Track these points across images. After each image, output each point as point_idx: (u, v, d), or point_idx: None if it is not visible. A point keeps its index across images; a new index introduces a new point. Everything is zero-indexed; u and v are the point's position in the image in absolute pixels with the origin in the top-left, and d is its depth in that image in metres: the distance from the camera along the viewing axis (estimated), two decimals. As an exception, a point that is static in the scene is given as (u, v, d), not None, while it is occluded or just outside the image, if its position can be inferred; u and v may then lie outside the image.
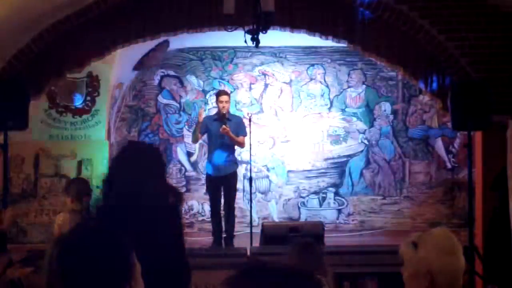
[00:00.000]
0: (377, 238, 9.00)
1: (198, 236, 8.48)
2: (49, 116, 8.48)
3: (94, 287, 1.79)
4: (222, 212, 7.79)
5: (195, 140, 8.30)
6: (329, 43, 7.73)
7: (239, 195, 8.23)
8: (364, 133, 9.48)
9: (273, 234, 7.22)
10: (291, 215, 9.36)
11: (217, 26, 6.89)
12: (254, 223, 8.17)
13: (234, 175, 7.83)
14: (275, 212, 9.40)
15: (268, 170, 9.45)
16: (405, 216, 9.36)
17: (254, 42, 5.90)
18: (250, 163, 8.09)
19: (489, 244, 6.20)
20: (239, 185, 8.12)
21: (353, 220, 9.41)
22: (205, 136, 8.05)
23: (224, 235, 7.75)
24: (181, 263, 3.18)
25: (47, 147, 8.36)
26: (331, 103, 9.52)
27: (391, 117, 9.51)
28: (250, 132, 7.86)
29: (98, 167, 8.36)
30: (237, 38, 6.36)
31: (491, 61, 6.51)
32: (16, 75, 6.57)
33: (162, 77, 9.45)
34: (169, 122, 9.43)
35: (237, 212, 8.00)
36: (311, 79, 9.55)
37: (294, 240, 4.43)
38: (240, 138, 7.74)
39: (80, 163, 8.37)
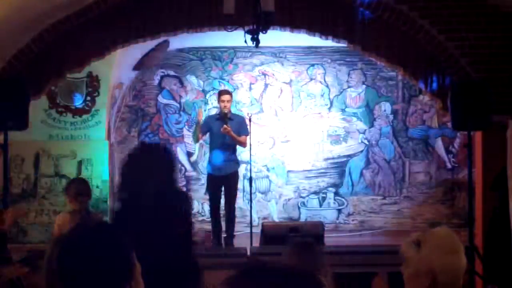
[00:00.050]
0: (377, 238, 9.00)
1: (198, 236, 8.47)
2: (49, 116, 8.49)
3: (94, 287, 1.79)
4: (222, 212, 7.79)
5: (196, 140, 8.30)
6: (329, 43, 7.73)
7: (239, 195, 8.22)
8: (364, 133, 9.48)
9: (273, 234, 7.22)
10: (291, 215, 9.36)
11: (217, 26, 6.89)
12: (254, 223, 8.17)
13: (235, 175, 7.83)
14: (275, 212, 9.40)
15: (268, 170, 9.45)
16: (405, 216, 9.36)
17: (254, 42, 5.90)
18: (250, 163, 8.09)
19: (489, 244, 6.20)
20: (239, 185, 8.12)
21: (353, 220, 9.41)
22: (205, 136, 8.05)
23: (224, 235, 7.75)
24: (190, 264, 3.19)
25: (47, 147, 8.37)
26: (331, 103, 9.52)
27: (391, 117, 9.51)
28: (250, 132, 7.86)
29: (98, 167, 8.37)
30: (237, 38, 6.36)
31: (491, 61, 6.51)
32: (16, 75, 6.57)
33: (162, 77, 9.45)
34: (169, 122, 9.43)
35: (237, 212, 8.00)
36: (311, 79, 9.54)
37: (293, 240, 4.42)
38: (242, 138, 7.74)
39: (80, 163, 8.37)
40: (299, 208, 9.41)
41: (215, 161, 7.70)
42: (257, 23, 5.79)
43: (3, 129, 6.03)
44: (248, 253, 6.95)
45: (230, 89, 8.69)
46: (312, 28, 7.01)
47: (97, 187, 8.24)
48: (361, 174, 9.46)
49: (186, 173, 9.42)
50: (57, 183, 8.27)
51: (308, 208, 9.41)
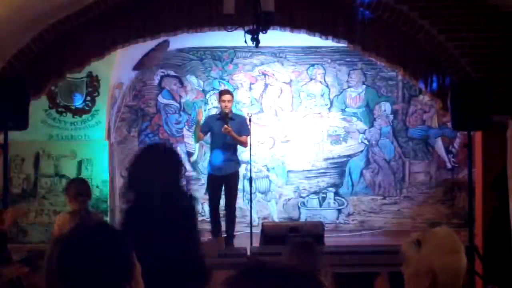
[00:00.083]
0: (377, 238, 9.01)
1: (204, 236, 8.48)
2: (49, 116, 8.48)
3: (94, 287, 1.79)
4: (222, 212, 7.79)
5: (197, 140, 8.28)
6: (329, 43, 7.73)
7: (239, 195, 8.22)
8: (364, 133, 9.48)
9: (273, 234, 7.22)
10: (291, 215, 9.36)
11: (217, 26, 6.89)
12: (254, 223, 8.17)
13: (235, 175, 7.83)
14: (275, 212, 9.40)
15: (268, 170, 9.45)
16: (405, 216, 9.36)
17: (254, 42, 5.90)
18: (250, 163, 8.09)
19: (489, 244, 6.20)
20: (239, 185, 8.13)
21: (353, 220, 9.41)
22: (206, 136, 8.05)
23: (224, 235, 7.75)
24: (198, 264, 3.21)
25: (47, 147, 8.37)
26: (331, 103, 9.52)
27: (391, 117, 9.51)
28: (250, 132, 7.86)
29: (98, 167, 8.37)
30: (237, 38, 6.36)
31: (491, 61, 6.51)
32: (16, 75, 6.57)
33: (162, 77, 9.45)
34: (169, 122, 9.43)
35: (237, 212, 8.00)
36: (311, 79, 9.55)
37: (293, 240, 4.43)
38: (243, 138, 7.74)
39: (80, 163, 8.37)
40: (299, 208, 9.41)
41: (216, 161, 7.70)
42: (257, 23, 5.79)
43: (3, 129, 6.03)
44: (248, 253, 6.95)
45: (230, 89, 8.69)
46: (312, 28, 7.01)
47: (97, 187, 8.24)
48: (361, 174, 9.46)
49: (186, 173, 9.41)
50: (57, 183, 8.27)
51: (308, 208, 9.41)
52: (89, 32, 6.85)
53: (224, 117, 7.65)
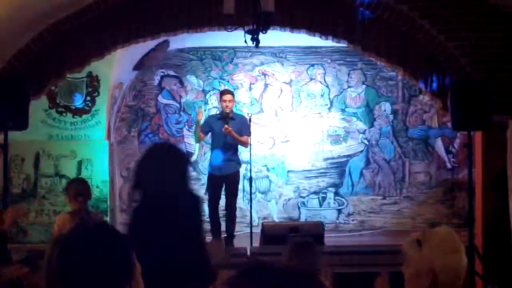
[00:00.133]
0: (377, 238, 9.00)
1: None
2: (49, 116, 8.48)
3: (94, 287, 1.79)
4: (222, 212, 7.79)
5: (198, 140, 8.25)
6: (329, 43, 7.73)
7: (239, 195, 8.22)
8: (364, 133, 9.48)
9: (273, 234, 7.22)
10: (291, 215, 9.36)
11: (217, 26, 6.89)
12: (254, 223, 8.17)
13: (236, 175, 7.83)
14: (275, 212, 9.40)
15: (268, 170, 9.45)
16: (405, 216, 9.36)
17: (254, 42, 5.90)
18: (250, 163, 8.09)
19: (489, 244, 6.20)
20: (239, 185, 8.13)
21: (353, 220, 9.41)
22: (207, 136, 8.05)
23: (224, 235, 7.75)
24: (204, 263, 3.22)
25: (47, 147, 8.37)
26: (331, 103, 9.52)
27: (391, 117, 9.51)
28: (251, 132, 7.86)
29: (98, 167, 8.37)
30: (237, 38, 6.36)
31: (491, 61, 6.51)
32: (16, 75, 6.57)
33: (162, 77, 9.45)
34: (169, 122, 9.42)
35: (237, 212, 8.00)
36: (311, 79, 9.55)
37: (293, 240, 4.43)
38: (243, 138, 7.73)
39: (80, 163, 8.37)
40: (299, 208, 9.41)
41: (216, 161, 7.70)
42: (257, 23, 5.79)
43: (3, 129, 6.02)
44: (248, 253, 6.95)
45: (231, 89, 8.70)
46: (312, 28, 7.01)
47: (97, 187, 8.24)
48: (361, 174, 9.46)
49: (186, 173, 9.40)
50: (57, 183, 8.27)
51: (308, 208, 9.41)
52: (89, 32, 6.85)
53: (224, 117, 7.65)
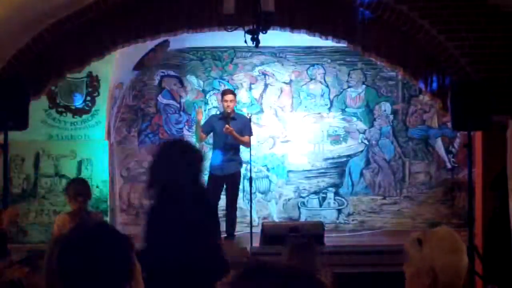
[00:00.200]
0: (377, 238, 9.00)
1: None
2: (49, 116, 8.48)
3: (94, 287, 1.79)
4: (222, 212, 7.79)
5: (199, 140, 8.24)
6: (329, 43, 7.73)
7: (239, 195, 8.23)
8: (364, 133, 9.48)
9: (273, 234, 7.22)
10: (291, 215, 9.36)
11: (217, 26, 6.88)
12: (254, 223, 8.17)
13: (237, 175, 7.83)
14: (275, 212, 9.40)
15: (268, 170, 9.46)
16: (405, 216, 9.36)
17: (254, 42, 5.91)
18: (250, 163, 8.09)
19: (489, 244, 6.20)
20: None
21: (353, 220, 9.41)
22: (208, 136, 8.05)
23: (224, 235, 7.75)
24: (220, 260, 3.24)
25: (47, 147, 8.37)
26: (331, 103, 9.52)
27: (391, 117, 9.51)
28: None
29: (98, 167, 8.37)
30: (237, 38, 6.36)
31: (491, 61, 6.51)
32: (16, 75, 6.57)
33: (162, 77, 9.45)
34: (169, 122, 9.42)
35: (237, 212, 8.00)
36: (311, 79, 9.55)
37: (291, 240, 4.43)
38: (245, 138, 7.74)
39: (80, 163, 8.37)
40: (299, 208, 9.41)
41: (217, 161, 7.70)
42: (257, 23, 5.79)
43: (3, 129, 6.02)
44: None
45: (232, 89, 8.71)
46: (312, 28, 7.01)
47: (97, 187, 8.24)
48: (361, 174, 9.46)
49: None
50: (57, 183, 8.28)
51: (308, 208, 9.41)
52: (89, 32, 6.85)
53: (225, 117, 7.65)
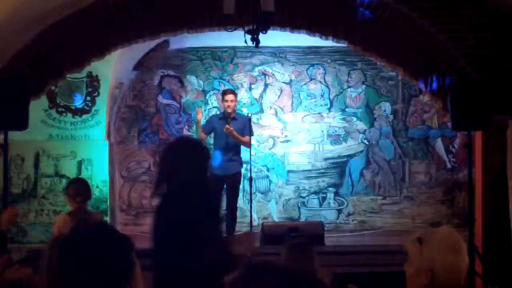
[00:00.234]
0: (377, 238, 9.00)
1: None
2: (49, 116, 8.49)
3: (94, 287, 1.79)
4: (223, 212, 7.79)
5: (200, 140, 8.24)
6: (329, 43, 7.73)
7: (239, 195, 8.23)
8: (364, 133, 9.48)
9: (273, 234, 7.22)
10: (291, 215, 9.36)
11: (217, 26, 6.89)
12: (254, 223, 8.17)
13: (237, 175, 7.83)
14: (275, 212, 9.40)
15: (268, 170, 9.45)
16: (405, 216, 9.36)
17: (254, 42, 5.91)
18: (250, 163, 8.09)
19: (489, 244, 6.20)
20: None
21: (353, 220, 9.40)
22: (208, 136, 8.04)
23: (224, 235, 7.74)
24: (230, 258, 3.26)
25: (47, 147, 8.37)
26: (331, 103, 9.52)
27: (391, 117, 9.51)
28: (253, 132, 7.87)
29: (98, 167, 8.37)
30: (237, 38, 6.36)
31: (491, 61, 6.50)
32: (16, 75, 6.57)
33: (162, 77, 9.45)
34: (169, 122, 9.42)
35: (237, 212, 8.00)
36: (311, 79, 9.54)
37: (289, 241, 4.44)
38: (245, 138, 7.74)
39: (80, 163, 8.38)
40: (299, 208, 9.40)
41: (218, 161, 7.70)
42: (257, 23, 5.79)
43: (3, 129, 6.03)
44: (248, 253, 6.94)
45: (233, 89, 8.71)
46: (312, 28, 7.01)
47: (97, 187, 8.25)
48: (361, 174, 9.46)
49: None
50: (57, 183, 8.28)
51: (308, 208, 9.41)
52: (89, 32, 6.85)
53: (226, 117, 7.65)
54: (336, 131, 9.50)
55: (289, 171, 9.46)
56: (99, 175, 8.34)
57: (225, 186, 7.78)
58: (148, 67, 9.19)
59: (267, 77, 9.53)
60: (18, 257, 5.98)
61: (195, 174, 3.27)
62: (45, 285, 2.59)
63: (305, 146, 9.47)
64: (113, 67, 8.39)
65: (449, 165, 9.42)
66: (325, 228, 7.80)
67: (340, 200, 9.43)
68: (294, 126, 9.48)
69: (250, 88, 9.52)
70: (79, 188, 5.76)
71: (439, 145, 9.47)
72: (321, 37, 7.11)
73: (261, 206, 9.33)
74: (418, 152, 9.49)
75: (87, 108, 8.56)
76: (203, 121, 8.05)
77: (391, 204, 9.41)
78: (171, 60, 9.41)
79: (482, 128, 6.23)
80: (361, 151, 9.48)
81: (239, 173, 7.89)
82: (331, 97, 9.52)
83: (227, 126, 7.54)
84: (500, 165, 6.00)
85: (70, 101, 8.54)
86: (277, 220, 9.23)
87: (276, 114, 9.52)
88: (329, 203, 9.43)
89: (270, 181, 9.45)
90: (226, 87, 8.97)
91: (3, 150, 6.11)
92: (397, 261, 2.46)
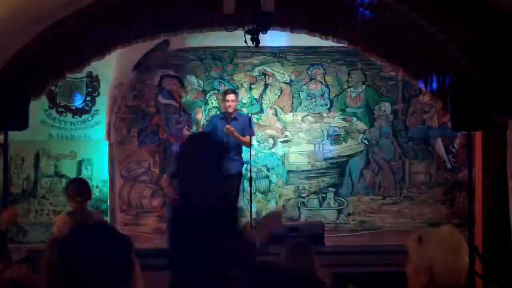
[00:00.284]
0: (377, 238, 9.00)
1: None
2: (49, 116, 8.49)
3: (94, 287, 1.79)
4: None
5: None
6: (329, 43, 7.73)
7: (239, 195, 8.23)
8: (364, 133, 9.48)
9: (273, 234, 7.21)
10: (291, 215, 9.36)
11: (217, 26, 6.89)
12: (254, 223, 8.16)
13: (238, 175, 7.83)
14: (275, 212, 9.38)
15: (268, 170, 9.46)
16: (405, 216, 9.36)
17: (254, 42, 5.91)
18: (250, 163, 8.09)
19: (489, 244, 6.20)
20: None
21: (353, 220, 9.41)
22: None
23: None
24: (241, 248, 3.28)
25: (47, 147, 8.37)
26: (331, 103, 9.52)
27: (391, 117, 9.51)
28: (255, 132, 7.88)
29: (98, 167, 8.37)
30: (237, 38, 6.36)
31: (491, 61, 6.50)
32: (16, 75, 6.57)
33: (162, 77, 9.45)
34: (169, 122, 9.42)
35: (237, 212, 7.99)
36: (311, 79, 9.54)
37: (289, 241, 4.44)
38: (245, 138, 7.76)
39: (80, 163, 8.38)
40: (299, 208, 9.40)
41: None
42: (257, 23, 5.79)
43: (3, 129, 6.02)
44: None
45: (234, 89, 8.71)
46: (312, 28, 7.01)
47: (97, 187, 8.25)
48: (361, 174, 9.46)
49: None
50: (57, 183, 8.28)
51: (308, 208, 9.41)
52: (89, 32, 6.85)
53: (227, 117, 7.67)
54: (336, 131, 9.50)
55: (289, 171, 9.46)
56: (99, 175, 8.34)
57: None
58: (148, 67, 9.19)
59: (267, 77, 9.53)
60: (18, 257, 5.98)
61: (213, 167, 3.29)
62: (45, 285, 2.59)
63: (305, 146, 9.47)
64: (113, 67, 8.39)
65: (449, 165, 9.42)
66: (325, 228, 7.80)
67: (340, 200, 9.43)
68: (294, 126, 9.48)
69: (250, 88, 9.52)
70: (79, 188, 5.76)
71: (439, 145, 9.46)
72: (321, 37, 7.11)
73: (261, 206, 9.33)
74: (418, 152, 9.49)
75: (87, 108, 8.56)
76: (203, 121, 8.06)
77: (391, 204, 9.41)
78: (171, 60, 9.41)
79: (482, 128, 6.22)
80: (361, 151, 9.49)
81: (240, 173, 7.90)
82: (331, 97, 9.52)
83: (227, 126, 7.56)
84: (500, 165, 6.00)
85: (70, 101, 8.54)
86: (277, 220, 9.22)
87: (276, 114, 9.52)
88: (329, 203, 9.43)
89: (270, 181, 9.45)
90: (226, 87, 8.98)
91: (3, 150, 6.10)
92: (397, 261, 2.47)
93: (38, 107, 7.84)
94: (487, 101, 5.93)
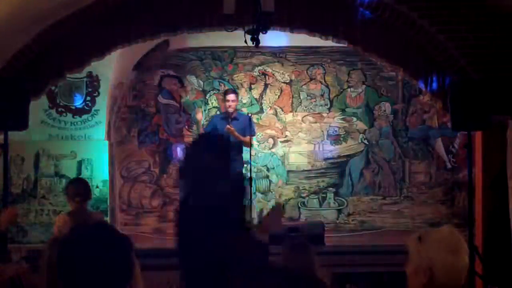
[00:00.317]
0: (377, 238, 9.00)
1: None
2: (49, 116, 8.49)
3: (94, 287, 1.79)
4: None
5: None
6: (329, 43, 7.73)
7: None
8: (364, 133, 9.48)
9: (273, 234, 7.21)
10: (291, 215, 9.36)
11: (217, 26, 6.89)
12: (254, 223, 8.16)
13: (238, 175, 7.83)
14: (275, 212, 9.38)
15: (268, 170, 9.46)
16: (405, 216, 9.36)
17: (254, 42, 5.91)
18: (250, 163, 8.09)
19: (489, 244, 6.20)
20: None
21: (353, 220, 9.41)
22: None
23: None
24: (251, 248, 3.28)
25: (47, 147, 8.37)
26: (331, 103, 9.52)
27: (391, 117, 9.51)
28: (255, 132, 7.88)
29: (98, 167, 8.37)
30: (237, 38, 6.36)
31: (491, 61, 6.50)
32: (16, 75, 6.57)
33: (162, 77, 9.45)
34: (169, 122, 9.42)
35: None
36: (311, 79, 9.54)
37: (288, 241, 4.44)
38: (246, 138, 7.77)
39: (80, 163, 8.38)
40: (299, 208, 9.41)
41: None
42: (257, 23, 5.79)
43: (3, 129, 6.02)
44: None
45: (234, 89, 8.71)
46: (312, 28, 7.01)
47: (97, 187, 8.25)
48: (361, 174, 9.46)
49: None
50: (57, 183, 8.28)
51: (308, 208, 9.41)
52: (89, 32, 6.85)
53: (227, 117, 7.68)
54: (336, 131, 9.50)
55: (289, 171, 9.46)
56: (99, 175, 8.34)
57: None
58: (148, 67, 9.19)
59: (267, 77, 9.53)
60: (18, 257, 5.98)
61: (223, 167, 3.28)
62: (45, 285, 2.59)
63: (305, 146, 9.47)
64: (113, 67, 8.39)
65: (449, 165, 9.42)
66: (325, 228, 7.80)
67: (340, 200, 9.43)
68: (294, 126, 9.49)
69: (250, 88, 9.52)
70: (79, 188, 5.76)
71: (439, 145, 9.47)
72: (321, 37, 7.11)
73: (261, 206, 9.33)
74: (418, 152, 9.49)
75: (87, 108, 8.56)
76: (203, 121, 8.06)
77: (391, 204, 9.41)
78: (171, 60, 9.41)
79: (482, 128, 6.22)
80: (361, 151, 9.49)
81: (240, 173, 7.90)
82: (331, 97, 9.52)
83: (228, 126, 7.57)
84: (500, 165, 6.00)
85: (70, 101, 8.54)
86: (277, 220, 9.22)
87: (276, 114, 9.52)
88: (329, 203, 9.43)
89: (270, 181, 9.45)
90: (226, 87, 8.98)
91: (3, 150, 6.10)
92: (397, 261, 2.47)
93: (38, 107, 7.84)
94: (487, 101, 5.92)
